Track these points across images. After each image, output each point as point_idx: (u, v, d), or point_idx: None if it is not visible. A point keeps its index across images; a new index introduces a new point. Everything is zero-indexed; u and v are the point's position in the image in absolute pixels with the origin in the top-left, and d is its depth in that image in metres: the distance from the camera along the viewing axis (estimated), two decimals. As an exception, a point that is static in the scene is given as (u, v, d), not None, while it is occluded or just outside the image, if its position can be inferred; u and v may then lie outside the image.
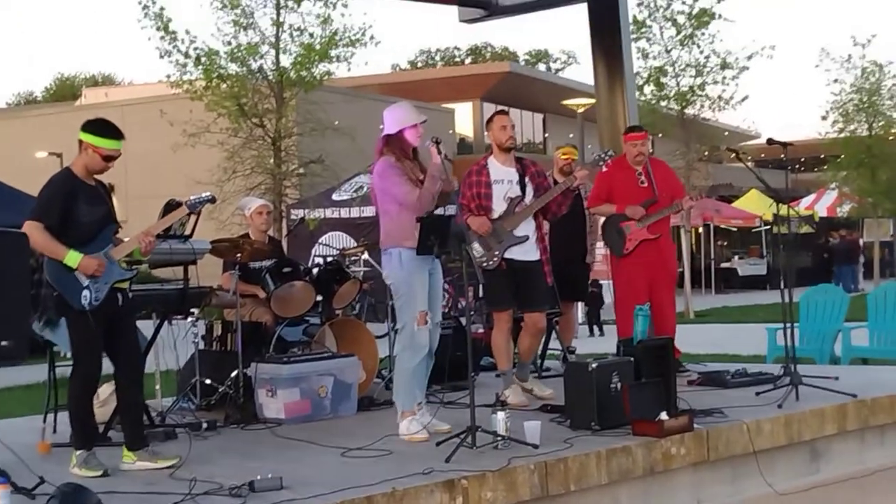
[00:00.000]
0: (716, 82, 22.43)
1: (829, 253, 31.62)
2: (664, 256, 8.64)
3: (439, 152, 6.37)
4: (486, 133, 7.70)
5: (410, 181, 6.42)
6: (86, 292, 5.57)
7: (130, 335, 5.94)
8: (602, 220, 8.93)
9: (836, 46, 59.47)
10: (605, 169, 8.21)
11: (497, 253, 7.36)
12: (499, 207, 7.41)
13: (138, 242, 5.79)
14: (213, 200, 6.30)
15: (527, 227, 7.43)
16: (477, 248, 7.34)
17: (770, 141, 8.06)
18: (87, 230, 5.67)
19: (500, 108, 8.13)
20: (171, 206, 6.51)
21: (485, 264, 7.32)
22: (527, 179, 7.47)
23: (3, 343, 4.47)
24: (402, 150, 6.50)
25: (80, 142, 5.72)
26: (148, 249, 5.84)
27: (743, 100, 22.93)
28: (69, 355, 6.97)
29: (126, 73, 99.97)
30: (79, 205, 5.64)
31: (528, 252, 7.43)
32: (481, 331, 9.90)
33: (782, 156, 8.12)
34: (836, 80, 29.98)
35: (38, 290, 6.61)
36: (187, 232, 6.91)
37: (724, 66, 22.24)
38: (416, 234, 6.34)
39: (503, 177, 7.45)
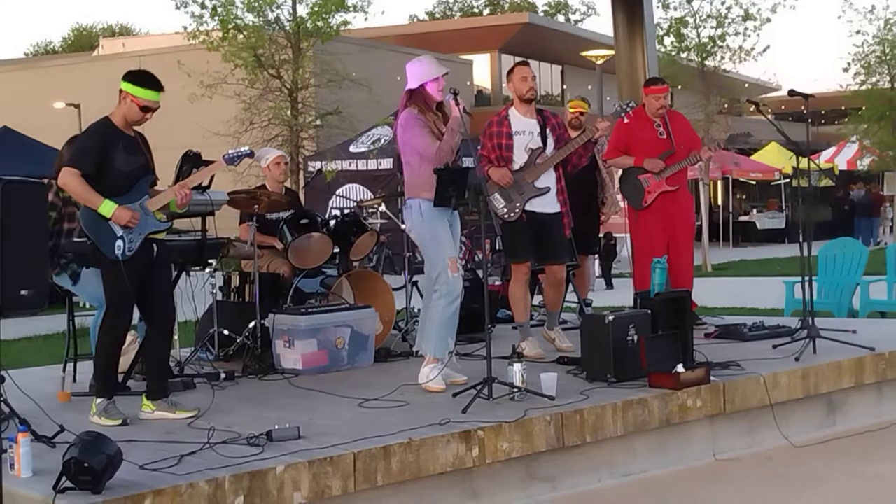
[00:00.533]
0: (737, 33, 22.20)
1: (849, 206, 31.40)
2: (682, 208, 8.61)
3: (457, 104, 6.36)
4: (505, 85, 7.65)
5: (432, 133, 6.42)
6: (119, 242, 5.59)
7: (164, 287, 5.97)
8: (618, 172, 8.88)
9: (859, -3, 58.78)
10: (626, 120, 8.16)
11: (518, 205, 7.35)
12: (520, 159, 7.39)
13: (174, 194, 5.80)
14: (251, 155, 6.29)
15: (548, 179, 7.42)
16: (498, 200, 7.35)
17: (791, 92, 7.98)
18: (124, 180, 5.68)
19: (519, 59, 8.02)
20: (188, 157, 6.52)
21: (506, 216, 7.34)
22: (548, 131, 7.45)
23: (23, 292, 4.47)
24: (426, 104, 6.49)
25: (120, 91, 5.72)
26: (184, 202, 5.85)
27: (764, 50, 22.71)
28: (89, 305, 7.03)
29: (144, 23, 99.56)
30: (116, 154, 5.65)
31: (548, 204, 7.42)
32: (498, 283, 9.91)
33: (803, 108, 8.04)
34: (858, 32, 29.60)
35: (56, 241, 6.65)
36: (205, 183, 6.91)
37: (747, 16, 21.98)
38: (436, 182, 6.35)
39: (524, 128, 7.42)
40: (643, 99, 8.63)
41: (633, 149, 8.50)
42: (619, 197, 9.19)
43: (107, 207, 5.55)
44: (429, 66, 6.52)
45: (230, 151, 6.13)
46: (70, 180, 5.57)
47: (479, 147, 7.36)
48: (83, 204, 5.62)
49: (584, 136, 7.52)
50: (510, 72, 7.54)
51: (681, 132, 8.56)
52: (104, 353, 5.79)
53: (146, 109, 5.72)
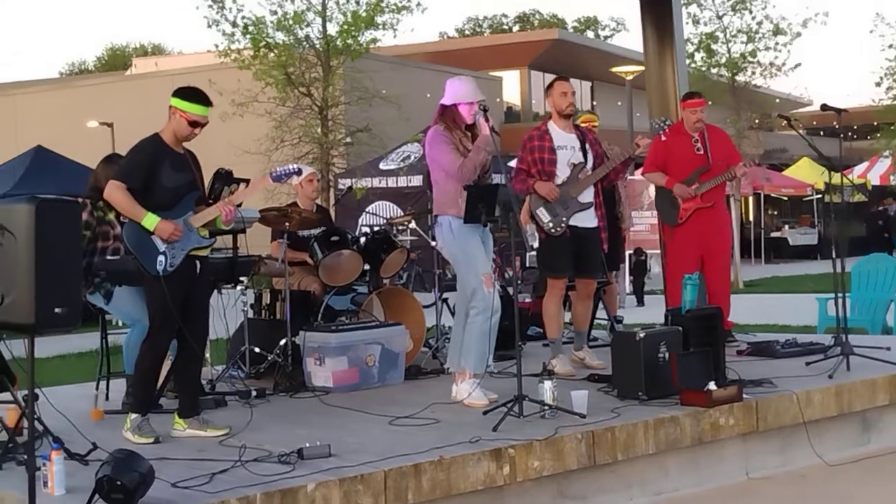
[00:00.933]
0: (768, 48, 22.13)
1: (885, 221, 31.04)
2: (718, 225, 8.54)
3: (487, 120, 6.38)
4: (545, 100, 7.67)
5: (457, 150, 6.44)
6: (161, 257, 5.64)
7: (204, 304, 6.00)
8: (651, 188, 8.87)
9: (892, 11, 58.33)
10: (663, 138, 8.13)
11: (564, 219, 7.40)
12: (562, 173, 7.44)
13: (219, 211, 5.84)
14: (299, 173, 6.34)
15: (589, 194, 7.46)
16: (543, 214, 7.41)
17: (824, 107, 7.94)
18: (170, 195, 5.73)
19: (557, 75, 8.03)
20: (219, 175, 6.55)
21: (552, 230, 7.41)
22: (587, 146, 7.49)
23: (57, 310, 4.51)
24: (454, 122, 6.50)
25: (170, 107, 5.79)
26: (229, 218, 5.88)
27: (796, 66, 22.60)
28: (122, 323, 7.08)
29: (176, 42, 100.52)
30: (163, 170, 5.71)
31: (588, 219, 7.49)
32: (528, 300, 9.89)
33: (835, 123, 8.00)
34: (890, 46, 29.40)
35: (90, 260, 6.70)
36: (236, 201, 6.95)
37: (777, 31, 21.90)
38: (462, 202, 6.35)
39: (566, 143, 7.47)
40: (681, 113, 8.62)
41: (669, 164, 8.47)
42: (636, 212, 9.19)
43: (150, 220, 5.60)
44: (466, 89, 6.53)
45: (278, 169, 6.18)
46: (115, 193, 5.63)
47: (508, 161, 7.40)
48: (127, 217, 5.67)
49: (624, 152, 7.56)
50: (549, 87, 7.57)
51: (719, 148, 8.50)
52: (143, 368, 5.82)
53: (195, 124, 5.78)
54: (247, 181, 6.31)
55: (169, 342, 5.89)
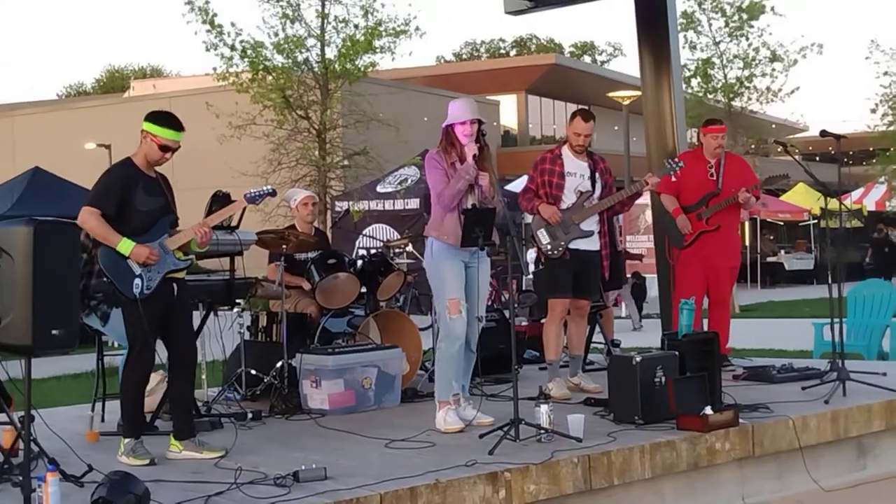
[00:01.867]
0: (764, 74, 22.25)
1: (890, 247, 30.96)
2: (725, 249, 8.57)
3: (481, 144, 6.43)
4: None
5: (446, 176, 6.44)
6: (137, 280, 5.63)
7: (186, 325, 6.00)
8: (647, 212, 8.91)
9: (887, 38, 58.65)
10: (673, 179, 8.17)
11: (563, 244, 7.48)
12: (568, 199, 7.53)
13: (194, 233, 5.84)
14: (273, 194, 6.31)
15: (591, 222, 7.55)
16: (543, 235, 7.52)
17: (824, 133, 7.97)
18: (144, 220, 5.73)
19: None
20: (217, 197, 6.57)
21: (550, 252, 7.49)
22: (597, 175, 7.57)
23: (54, 332, 4.52)
24: (452, 145, 6.52)
25: (142, 131, 5.78)
26: (204, 241, 5.88)
27: (792, 92, 22.72)
28: (118, 345, 7.07)
29: (174, 64, 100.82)
30: (137, 194, 5.70)
31: (590, 242, 7.56)
32: (524, 324, 9.89)
33: (831, 149, 8.05)
34: (885, 73, 29.59)
35: (87, 282, 6.70)
36: (233, 223, 6.97)
37: (774, 58, 22.04)
38: (449, 226, 6.40)
39: (576, 170, 7.56)
40: (700, 138, 8.68)
41: (682, 187, 8.52)
42: (631, 237, 9.23)
43: (125, 246, 5.60)
44: (461, 109, 6.54)
45: (252, 191, 6.17)
46: (88, 219, 5.61)
47: (505, 185, 7.42)
48: (102, 242, 5.67)
49: (632, 188, 7.68)
50: (572, 117, 7.66)
51: (734, 175, 8.54)
52: (129, 393, 5.80)
53: (165, 149, 5.76)
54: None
55: (150, 365, 5.85)
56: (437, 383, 6.57)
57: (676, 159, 8.01)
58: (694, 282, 8.40)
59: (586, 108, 7.98)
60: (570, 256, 7.49)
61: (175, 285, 5.85)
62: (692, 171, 8.45)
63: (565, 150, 7.62)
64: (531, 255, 7.98)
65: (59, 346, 4.57)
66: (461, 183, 6.42)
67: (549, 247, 7.49)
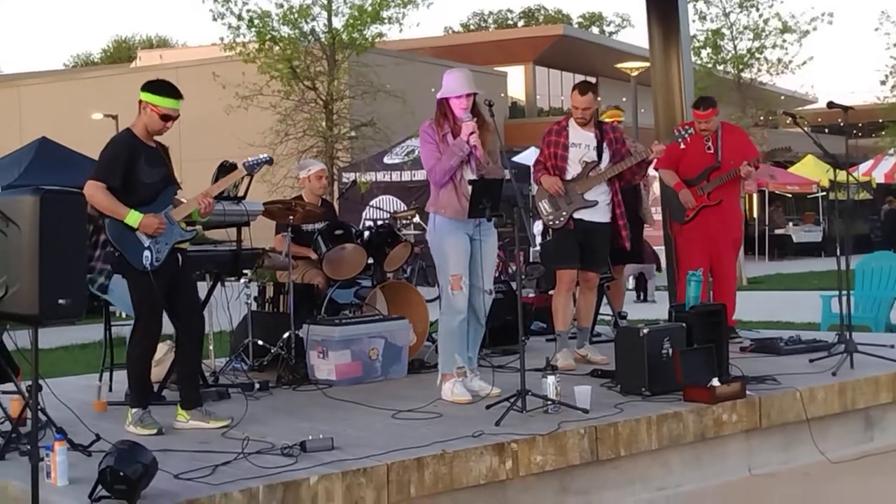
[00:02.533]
0: (775, 46, 22.13)
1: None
2: (727, 223, 8.54)
3: (482, 120, 6.38)
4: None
5: (437, 149, 6.40)
6: (147, 252, 5.63)
7: (191, 295, 5.99)
8: (655, 186, 8.87)
9: (898, 9, 58.11)
10: (682, 146, 8.10)
11: (564, 214, 7.45)
12: (573, 170, 7.49)
13: (197, 203, 5.83)
14: (270, 162, 6.32)
15: (598, 192, 7.49)
16: (545, 206, 7.49)
17: (831, 104, 7.92)
18: (149, 191, 5.71)
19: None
20: (224, 168, 6.56)
21: (551, 223, 7.47)
22: (604, 145, 7.51)
23: (61, 301, 4.51)
24: (446, 116, 6.47)
25: (140, 102, 5.75)
26: (207, 211, 5.88)
27: (804, 63, 22.59)
28: (125, 315, 7.08)
29: (181, 35, 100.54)
30: (140, 165, 5.68)
31: (597, 213, 7.51)
32: (532, 295, 9.89)
33: (840, 121, 7.98)
34: (895, 44, 29.39)
35: (91, 253, 6.70)
36: (240, 193, 6.95)
37: (785, 29, 21.90)
38: (445, 200, 6.37)
39: (581, 140, 7.52)
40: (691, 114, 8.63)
41: (681, 161, 8.48)
42: (655, 210, 9.17)
43: (133, 217, 5.59)
44: (457, 82, 6.46)
45: (250, 159, 6.17)
46: (95, 193, 5.59)
47: (512, 157, 7.39)
48: (109, 216, 5.65)
49: (637, 155, 7.58)
50: (573, 89, 7.62)
51: (732, 147, 8.47)
52: (136, 363, 5.81)
53: (166, 118, 5.73)
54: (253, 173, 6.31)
55: (157, 335, 5.86)
56: (441, 356, 6.58)
57: (687, 126, 7.96)
58: (697, 256, 8.37)
59: (585, 80, 7.91)
60: (575, 227, 7.45)
61: (179, 256, 5.85)
62: (690, 146, 8.37)
63: (571, 122, 7.59)
64: (538, 226, 7.94)
65: (66, 316, 4.56)
66: (453, 159, 6.36)
67: (550, 217, 7.48)
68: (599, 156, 7.50)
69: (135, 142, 5.73)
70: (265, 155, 6.34)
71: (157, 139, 5.88)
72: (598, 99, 7.86)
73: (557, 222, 7.46)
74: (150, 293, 5.59)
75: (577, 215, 7.45)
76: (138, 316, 5.76)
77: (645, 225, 9.14)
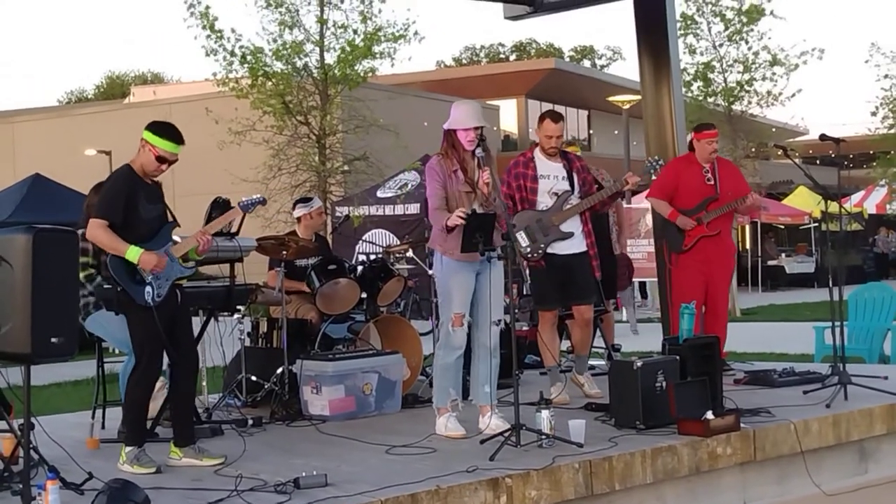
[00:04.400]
0: (765, 78, 22.25)
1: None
2: (722, 254, 8.55)
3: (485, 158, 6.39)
4: (533, 129, 7.70)
5: (443, 187, 6.39)
6: (148, 288, 5.63)
7: (187, 331, 6.00)
8: (647, 216, 8.89)
9: (887, 41, 58.65)
10: (654, 178, 8.15)
11: (542, 245, 7.39)
12: (543, 202, 7.43)
13: (196, 241, 5.84)
14: (263, 202, 6.38)
15: (573, 224, 7.45)
16: (523, 238, 7.38)
17: (823, 137, 7.96)
18: (148, 227, 5.74)
19: (547, 109, 8.09)
20: (217, 204, 6.57)
21: (529, 255, 7.41)
22: (574, 174, 7.48)
23: (53, 340, 4.51)
24: (454, 148, 6.47)
25: (141, 140, 5.77)
26: (204, 248, 5.89)
27: (793, 95, 22.70)
28: (118, 351, 7.06)
29: (174, 70, 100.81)
30: (140, 201, 5.70)
31: (572, 245, 7.46)
32: (525, 329, 9.88)
33: (831, 152, 8.04)
34: (886, 76, 29.56)
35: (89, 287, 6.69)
36: (233, 230, 6.96)
37: (775, 62, 22.03)
38: (452, 242, 6.33)
39: (550, 172, 7.48)
40: (694, 144, 8.61)
41: (679, 192, 8.48)
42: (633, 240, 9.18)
43: (133, 253, 5.59)
44: (465, 115, 6.47)
45: (244, 199, 6.23)
46: (96, 232, 5.61)
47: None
48: (110, 252, 5.66)
49: (612, 187, 7.57)
50: (540, 120, 7.58)
51: (728, 180, 8.51)
52: (135, 401, 5.80)
53: (161, 160, 5.73)
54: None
55: (158, 373, 5.88)
56: (436, 392, 6.57)
57: (657, 157, 7.98)
58: (692, 286, 8.37)
59: (553, 109, 7.93)
60: (549, 264, 7.39)
61: (178, 292, 5.86)
62: (688, 176, 8.42)
63: (537, 153, 7.54)
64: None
65: (59, 354, 4.57)
66: (450, 225, 6.33)
67: (528, 249, 7.38)
68: (571, 185, 7.47)
69: (134, 178, 5.75)
70: (258, 196, 6.39)
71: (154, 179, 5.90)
72: None
73: (536, 255, 7.39)
74: (152, 329, 5.59)
75: (550, 250, 7.39)
76: (139, 354, 5.75)
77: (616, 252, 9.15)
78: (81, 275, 6.71)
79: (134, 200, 5.67)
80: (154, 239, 5.74)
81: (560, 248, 7.41)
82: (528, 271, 7.61)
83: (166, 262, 5.70)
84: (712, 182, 8.47)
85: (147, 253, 5.61)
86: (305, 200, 8.80)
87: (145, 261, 5.60)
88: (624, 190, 7.59)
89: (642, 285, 19.73)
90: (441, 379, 6.51)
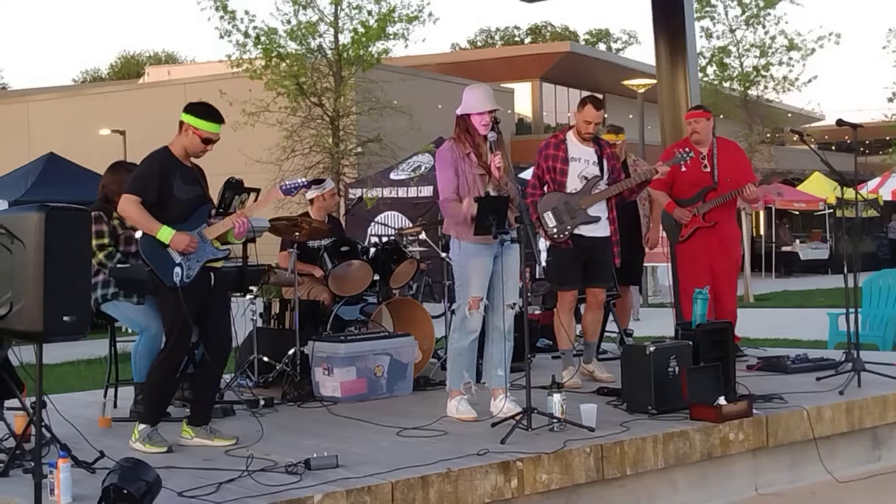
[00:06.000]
0: (781, 63, 22.11)
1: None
2: (725, 243, 8.47)
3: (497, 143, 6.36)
4: (576, 113, 7.63)
5: (456, 173, 6.36)
6: (178, 269, 5.63)
7: (222, 314, 5.97)
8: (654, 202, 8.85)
9: (905, 26, 58.09)
10: (683, 168, 8.09)
11: (569, 227, 7.40)
12: (572, 185, 7.44)
13: (232, 223, 5.83)
14: (308, 186, 6.34)
15: (600, 208, 7.46)
16: (550, 218, 7.42)
17: (840, 122, 7.90)
18: (183, 208, 5.74)
19: (567, 87, 8.03)
20: (230, 184, 6.55)
21: (556, 236, 7.42)
22: (604, 160, 7.47)
23: (66, 318, 4.51)
24: (468, 133, 6.45)
25: (182, 123, 5.77)
26: (242, 230, 5.87)
27: (810, 80, 22.55)
28: (131, 331, 7.08)
29: (189, 51, 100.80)
30: (175, 182, 5.71)
31: (597, 229, 7.47)
32: (538, 312, 9.86)
33: (847, 138, 7.99)
34: (904, 61, 29.35)
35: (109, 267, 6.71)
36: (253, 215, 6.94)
37: (791, 47, 21.89)
38: (467, 228, 6.31)
39: (581, 155, 7.48)
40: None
41: (675, 181, 8.42)
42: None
43: (165, 233, 5.59)
44: (478, 99, 6.45)
45: (287, 182, 6.20)
46: (129, 207, 5.63)
47: (519, 173, 7.35)
48: (142, 230, 5.67)
49: (642, 175, 7.56)
50: (582, 104, 7.56)
51: (728, 165, 8.41)
52: (157, 380, 5.80)
53: (208, 142, 5.77)
54: (258, 191, 6.31)
55: (185, 354, 5.88)
56: (449, 374, 6.55)
57: (687, 149, 7.95)
58: (698, 275, 8.31)
59: (593, 95, 7.86)
60: (575, 245, 7.41)
61: (212, 275, 5.85)
62: (684, 165, 8.34)
63: (570, 136, 7.54)
64: (544, 242, 7.91)
65: (71, 333, 4.56)
66: (460, 217, 6.34)
67: (555, 230, 7.41)
68: (601, 170, 7.47)
69: (172, 159, 5.76)
70: (303, 179, 6.36)
71: (195, 161, 5.90)
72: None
73: (562, 235, 7.41)
74: (179, 310, 5.58)
75: (577, 231, 7.41)
76: (168, 334, 5.76)
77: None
78: (101, 254, 6.73)
79: (169, 181, 5.69)
80: (188, 220, 5.75)
81: (587, 231, 7.43)
82: (543, 254, 7.61)
83: (198, 244, 5.70)
84: (709, 170, 8.38)
85: (179, 234, 5.61)
86: (318, 182, 8.78)
87: (177, 241, 5.60)
88: (654, 179, 7.57)
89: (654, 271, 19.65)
90: (455, 363, 6.50)
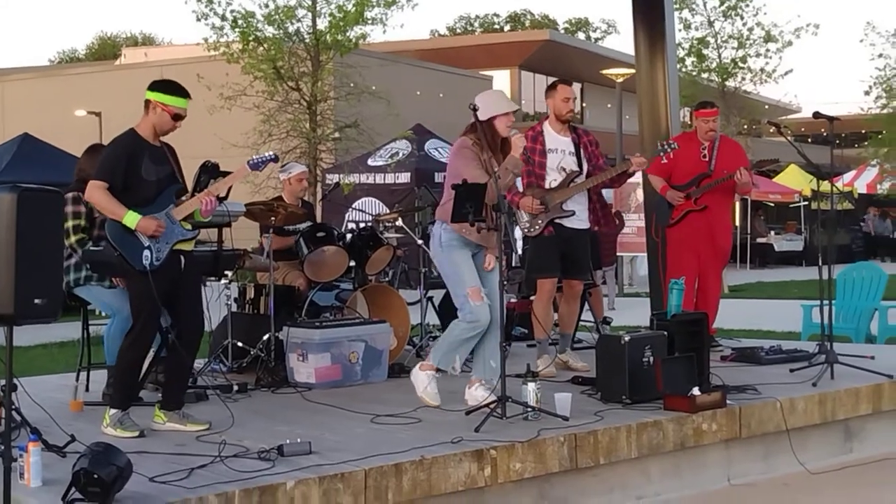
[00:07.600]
0: (759, 55, 22.21)
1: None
2: (714, 229, 8.48)
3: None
4: (546, 101, 7.60)
5: (481, 168, 6.28)
6: (146, 252, 5.58)
7: (193, 297, 5.92)
8: (639, 191, 8.86)
9: (882, 20, 58.53)
10: (664, 160, 8.10)
11: (541, 222, 7.38)
12: (551, 176, 7.42)
13: (199, 202, 5.78)
14: (276, 160, 6.28)
15: (576, 201, 7.44)
16: (522, 214, 7.43)
17: (817, 115, 7.92)
18: (150, 189, 5.68)
19: (546, 76, 8.03)
20: (206, 168, 6.49)
21: (528, 231, 7.43)
22: (581, 150, 7.45)
23: (37, 301, 4.46)
24: (487, 138, 6.30)
25: (148, 101, 5.71)
26: (208, 208, 5.81)
27: (786, 73, 22.67)
28: (104, 314, 7.02)
29: (167, 33, 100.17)
30: (143, 163, 5.65)
31: (577, 220, 7.47)
32: (513, 300, 9.86)
33: (823, 131, 8.03)
34: (880, 55, 29.52)
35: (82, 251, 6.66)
36: (222, 194, 6.89)
37: (769, 38, 21.98)
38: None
39: (558, 146, 7.46)
40: (694, 121, 8.61)
41: (674, 167, 8.44)
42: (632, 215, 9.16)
43: (131, 218, 5.54)
44: (500, 101, 6.42)
45: (254, 157, 6.13)
46: (95, 193, 5.57)
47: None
48: (108, 216, 5.61)
49: (619, 167, 7.55)
50: (552, 88, 7.53)
51: (727, 159, 8.45)
52: (126, 364, 5.75)
53: (177, 118, 5.73)
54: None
55: (153, 337, 5.84)
56: (440, 352, 6.39)
57: (670, 141, 7.96)
58: (685, 261, 8.37)
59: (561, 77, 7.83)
60: (555, 233, 7.40)
61: (182, 257, 5.79)
62: (685, 153, 8.37)
63: (546, 127, 7.51)
64: (520, 231, 7.90)
65: (42, 316, 4.51)
66: (510, 177, 6.32)
67: (527, 225, 7.43)
68: (579, 163, 7.44)
69: (138, 141, 5.70)
70: (270, 153, 6.29)
71: (164, 139, 5.84)
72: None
73: (533, 230, 7.41)
74: (148, 294, 5.53)
75: (557, 221, 7.40)
76: (136, 317, 5.70)
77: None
78: (73, 238, 6.67)
79: (136, 163, 5.63)
80: (156, 201, 5.69)
81: (566, 221, 7.42)
82: (519, 242, 7.60)
83: (166, 225, 5.65)
84: (707, 159, 8.44)
85: (145, 218, 5.56)
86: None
87: (143, 226, 5.55)
88: (631, 171, 7.52)
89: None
90: (453, 347, 6.38)
